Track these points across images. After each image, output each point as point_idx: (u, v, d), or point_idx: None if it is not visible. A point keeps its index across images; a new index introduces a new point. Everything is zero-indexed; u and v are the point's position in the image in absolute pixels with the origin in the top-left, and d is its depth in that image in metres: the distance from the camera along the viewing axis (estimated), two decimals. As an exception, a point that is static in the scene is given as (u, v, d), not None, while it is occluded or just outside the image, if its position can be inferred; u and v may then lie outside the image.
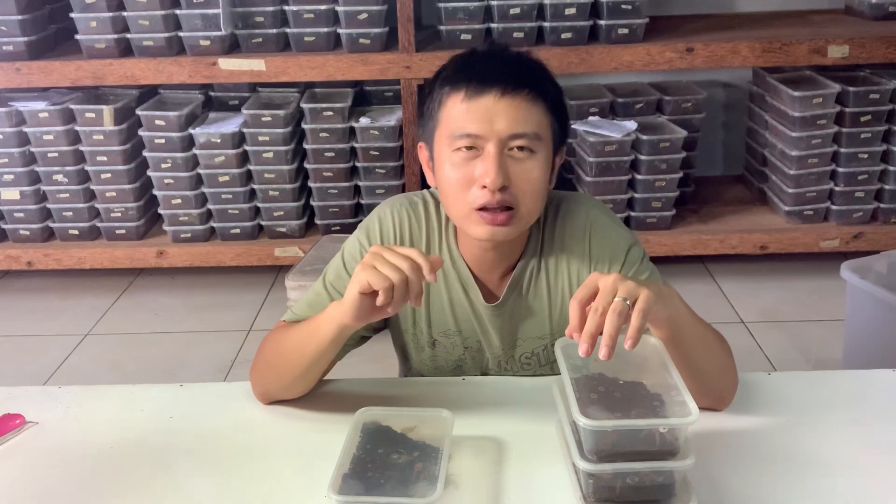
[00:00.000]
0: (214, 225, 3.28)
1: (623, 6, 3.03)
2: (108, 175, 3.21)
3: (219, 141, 3.15)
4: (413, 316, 1.42)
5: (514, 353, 1.43)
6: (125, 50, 3.12)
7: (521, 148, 1.26)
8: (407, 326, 1.43)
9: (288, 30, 3.09)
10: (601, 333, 1.05)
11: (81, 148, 3.19)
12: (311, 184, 3.23)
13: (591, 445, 1.03)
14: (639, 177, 3.11)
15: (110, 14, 3.05)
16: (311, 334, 1.25)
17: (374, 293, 1.13)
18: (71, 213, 3.28)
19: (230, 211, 3.25)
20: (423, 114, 1.34)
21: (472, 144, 1.25)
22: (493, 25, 3.05)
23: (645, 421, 1.04)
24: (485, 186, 1.25)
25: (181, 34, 3.08)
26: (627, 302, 1.06)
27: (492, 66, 1.27)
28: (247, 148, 3.17)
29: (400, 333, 1.45)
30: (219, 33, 3.05)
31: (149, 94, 3.33)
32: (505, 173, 1.25)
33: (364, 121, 3.17)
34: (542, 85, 1.28)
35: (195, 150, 3.17)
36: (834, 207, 3.20)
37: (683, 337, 1.18)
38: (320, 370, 1.31)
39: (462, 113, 1.25)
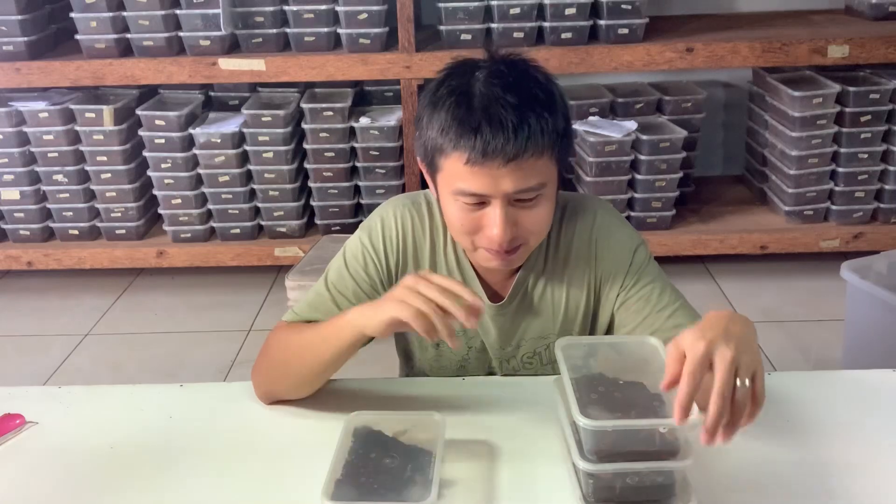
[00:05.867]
0: (214, 225, 3.27)
1: (623, 6, 3.03)
2: (108, 175, 3.21)
3: (219, 141, 3.14)
4: None
5: (517, 353, 1.42)
6: (125, 50, 3.12)
7: (527, 198, 1.23)
8: None
9: (288, 30, 3.09)
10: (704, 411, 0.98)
11: (81, 148, 3.19)
12: (311, 184, 3.23)
13: (591, 445, 1.03)
14: (639, 177, 3.11)
15: (110, 14, 3.05)
16: (330, 336, 1.24)
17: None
18: (71, 213, 3.28)
19: (230, 211, 3.25)
20: (420, 135, 1.26)
21: (477, 201, 1.22)
22: (493, 25, 3.05)
23: (645, 421, 1.04)
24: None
25: (181, 34, 3.07)
26: (748, 384, 0.98)
27: (494, 128, 1.17)
28: (247, 148, 3.16)
29: (403, 334, 1.45)
30: (219, 33, 3.05)
31: (149, 94, 3.33)
32: (512, 223, 1.23)
33: (364, 121, 3.16)
34: (548, 129, 1.20)
35: (195, 150, 3.16)
36: (834, 207, 3.20)
37: None
38: (333, 371, 1.30)
39: (465, 174, 1.20)
